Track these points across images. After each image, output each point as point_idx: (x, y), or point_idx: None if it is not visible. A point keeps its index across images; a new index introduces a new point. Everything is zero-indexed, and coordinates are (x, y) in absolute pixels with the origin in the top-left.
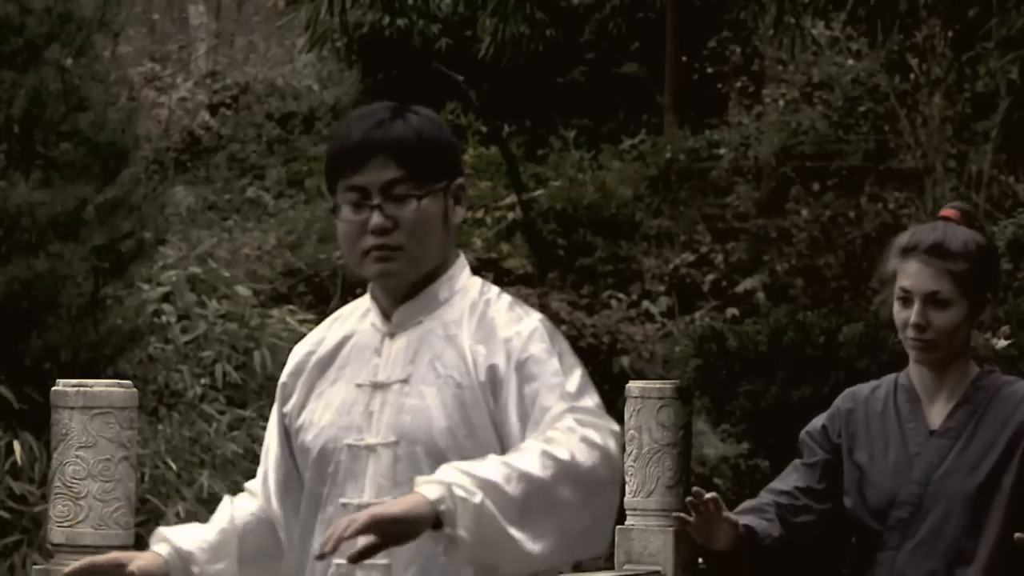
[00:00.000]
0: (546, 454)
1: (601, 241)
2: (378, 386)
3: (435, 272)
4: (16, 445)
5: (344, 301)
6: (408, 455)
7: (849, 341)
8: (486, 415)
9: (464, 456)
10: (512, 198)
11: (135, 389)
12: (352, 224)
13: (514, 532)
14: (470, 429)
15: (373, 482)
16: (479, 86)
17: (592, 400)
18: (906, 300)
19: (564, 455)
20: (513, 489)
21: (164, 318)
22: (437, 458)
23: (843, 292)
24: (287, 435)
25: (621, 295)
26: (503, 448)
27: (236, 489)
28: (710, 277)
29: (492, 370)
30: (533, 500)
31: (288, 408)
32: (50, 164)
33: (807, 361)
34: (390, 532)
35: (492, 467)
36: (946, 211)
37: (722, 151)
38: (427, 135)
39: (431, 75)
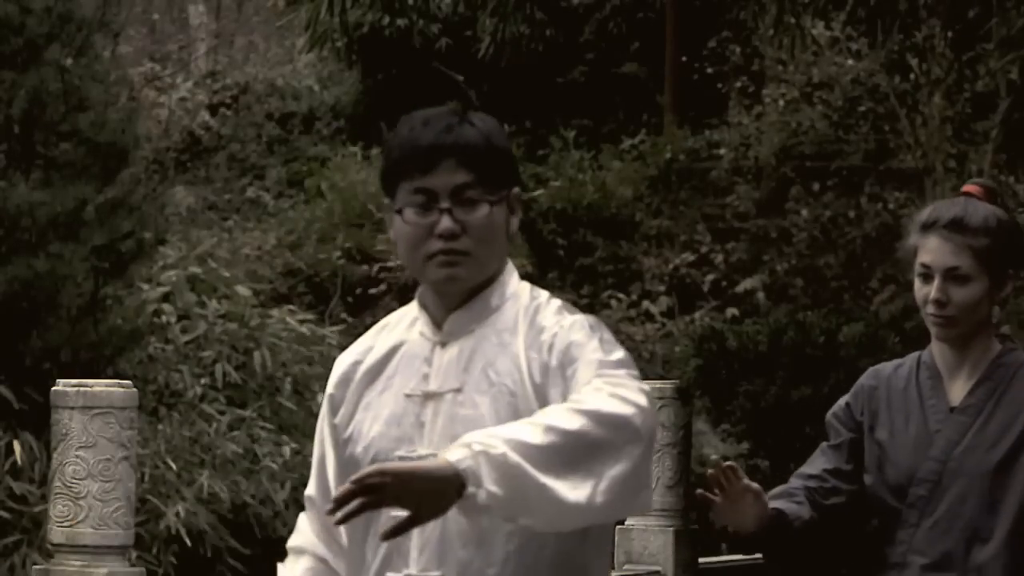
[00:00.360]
0: (573, 408)
1: (601, 241)
2: (430, 396)
3: (488, 279)
4: (16, 445)
5: (344, 301)
6: None
7: (849, 341)
8: None
9: None
10: None
11: (135, 389)
12: (418, 227)
13: (547, 481)
14: None
15: None
16: (479, 86)
17: (627, 370)
18: (926, 276)
19: (592, 406)
20: (539, 439)
21: (164, 318)
22: None
23: (843, 292)
24: (338, 446)
25: (621, 295)
26: None
27: (236, 489)
28: (710, 277)
29: (543, 371)
30: (563, 448)
31: (338, 420)
32: (50, 164)
33: (807, 361)
34: (411, 489)
35: (514, 425)
36: (968, 187)
37: (722, 151)
38: (495, 141)
39: (431, 75)
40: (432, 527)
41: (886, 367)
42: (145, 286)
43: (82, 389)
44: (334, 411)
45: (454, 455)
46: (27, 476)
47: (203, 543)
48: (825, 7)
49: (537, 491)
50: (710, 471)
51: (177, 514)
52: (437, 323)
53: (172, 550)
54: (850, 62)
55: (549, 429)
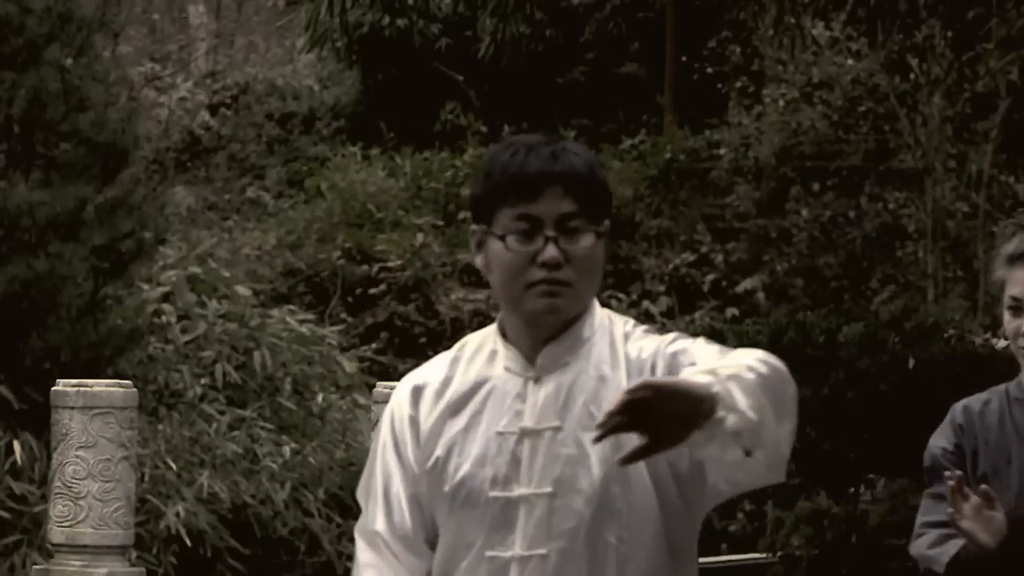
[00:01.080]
0: (758, 358)
1: None
2: (527, 433)
3: (579, 312)
4: (16, 445)
5: (344, 301)
6: (564, 507)
7: (849, 341)
8: (642, 463)
9: (623, 504)
10: None
11: (135, 389)
12: (519, 255)
13: (778, 418)
14: (625, 477)
15: (525, 533)
16: (479, 86)
17: None
18: (1017, 309)
19: (773, 360)
20: (766, 375)
21: (164, 318)
22: (596, 507)
23: (843, 292)
24: (415, 478)
25: (621, 295)
26: (658, 499)
27: (236, 489)
28: (710, 277)
29: None
30: (777, 391)
31: (421, 448)
32: (50, 164)
33: (807, 361)
34: (673, 404)
35: (737, 361)
36: None
37: (722, 151)
38: (597, 172)
39: (431, 75)
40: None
41: (973, 404)
42: (145, 286)
43: (82, 389)
44: (417, 438)
45: (702, 379)
46: (27, 476)
47: (203, 543)
48: (825, 7)
49: (771, 427)
50: (949, 479)
51: (177, 514)
52: (527, 357)
53: (172, 550)
54: (850, 62)
55: (763, 369)
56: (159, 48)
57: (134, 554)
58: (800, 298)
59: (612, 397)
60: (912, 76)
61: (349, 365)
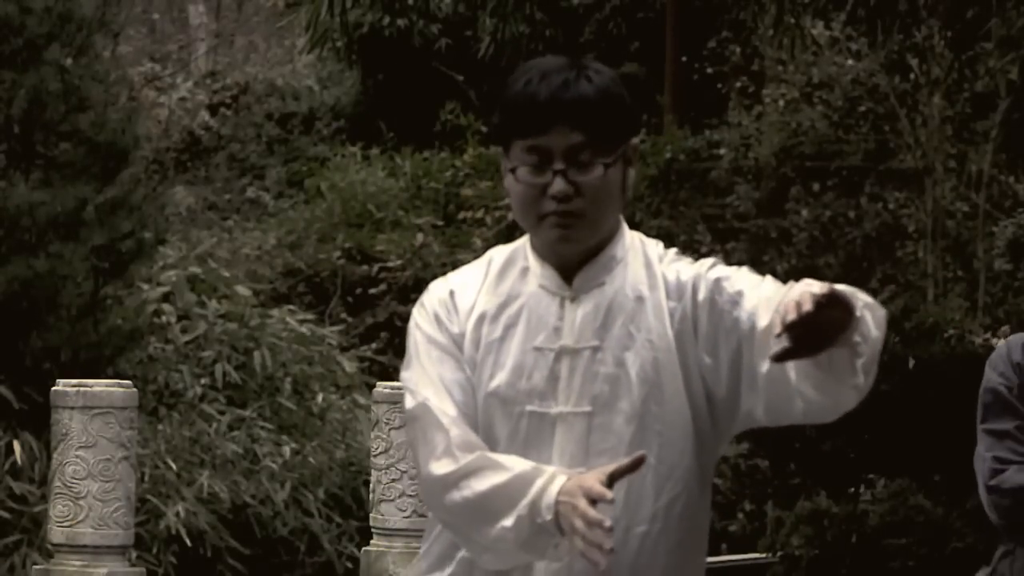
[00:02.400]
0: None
1: None
2: (566, 351)
3: (610, 232)
4: (16, 445)
5: (344, 301)
6: (603, 425)
7: None
8: (680, 378)
9: (661, 424)
10: None
11: (135, 389)
12: (531, 187)
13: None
14: (662, 396)
15: (563, 451)
16: (479, 86)
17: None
18: None
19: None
20: (882, 316)
21: (164, 318)
22: (636, 426)
23: None
24: (463, 371)
25: None
26: (693, 420)
27: (236, 489)
28: None
29: (682, 318)
30: (883, 332)
31: (459, 345)
32: (50, 164)
33: None
34: (824, 317)
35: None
36: None
37: (722, 151)
38: (612, 97)
39: (431, 75)
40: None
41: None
42: (145, 286)
43: (82, 389)
44: (459, 334)
45: (851, 299)
46: (27, 476)
47: (203, 543)
48: (825, 7)
49: (876, 357)
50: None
51: (177, 514)
52: (563, 276)
53: (172, 550)
54: (850, 62)
55: (880, 312)
56: (159, 48)
57: (134, 554)
58: None
59: (787, 303)
60: (912, 76)
61: (349, 365)
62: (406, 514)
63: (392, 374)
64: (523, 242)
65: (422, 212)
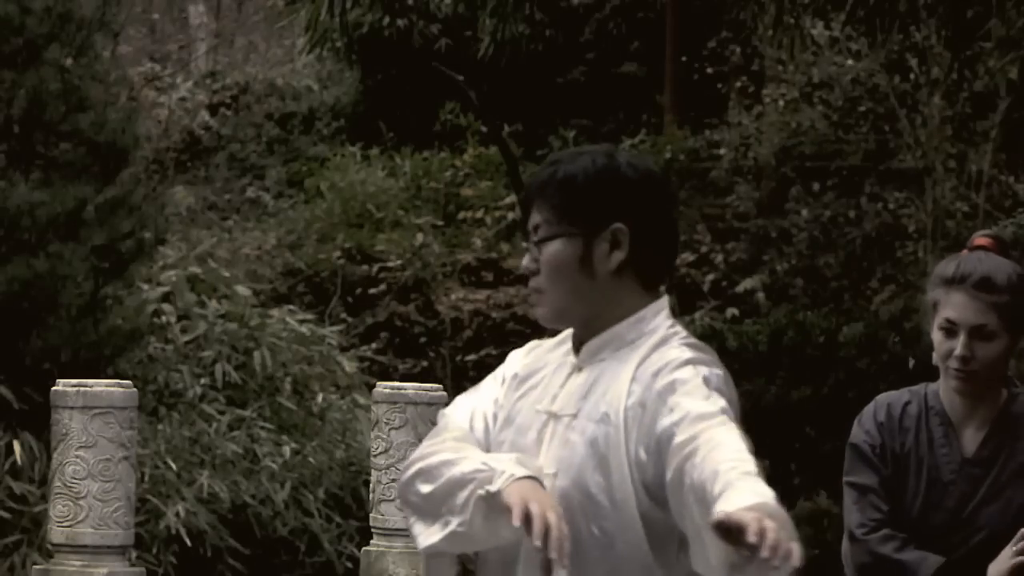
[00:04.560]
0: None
1: None
2: (551, 416)
3: (620, 313)
4: (16, 445)
5: (344, 301)
6: (561, 489)
7: (849, 341)
8: (623, 456)
9: (605, 498)
10: (512, 198)
11: (135, 389)
12: (526, 264)
13: None
14: (607, 471)
15: None
16: (479, 86)
17: (727, 418)
18: (950, 331)
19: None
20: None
21: (164, 318)
22: (583, 496)
23: (843, 292)
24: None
25: None
26: (637, 498)
27: (236, 489)
28: (710, 277)
29: (637, 401)
30: None
31: (502, 398)
32: (50, 164)
33: (807, 361)
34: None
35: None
36: (981, 240)
37: (722, 151)
38: (575, 180)
39: (431, 75)
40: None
41: (896, 403)
42: (145, 286)
43: (82, 389)
44: (502, 391)
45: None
46: (27, 476)
47: (203, 543)
48: (825, 7)
49: None
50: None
51: (177, 514)
52: (576, 348)
53: (172, 550)
54: (850, 62)
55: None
56: (159, 48)
57: (134, 554)
58: (800, 298)
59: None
60: (912, 76)
61: (349, 365)
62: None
63: (392, 374)
64: None
65: (422, 212)
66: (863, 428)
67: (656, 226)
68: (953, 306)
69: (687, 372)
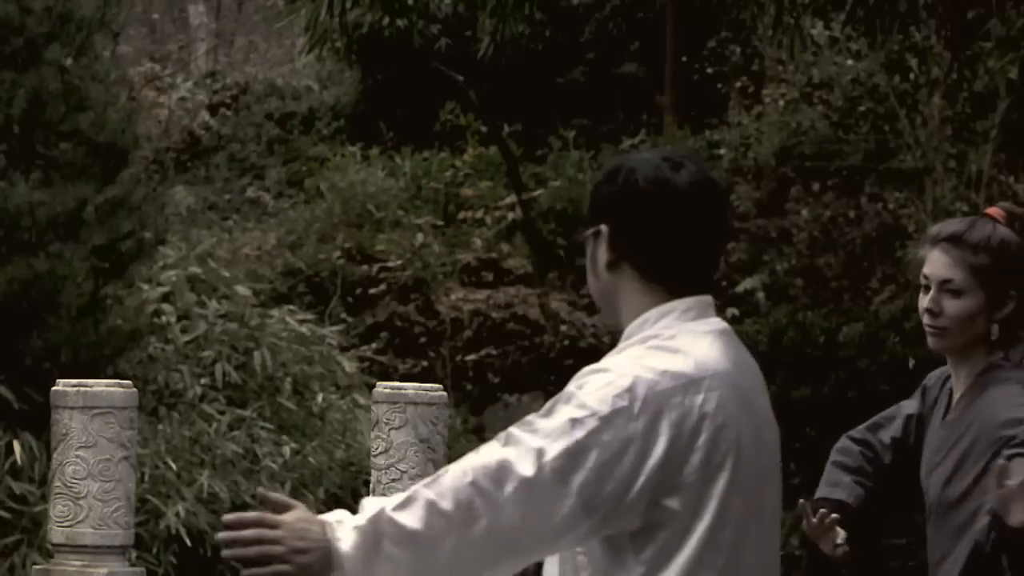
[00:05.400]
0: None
1: None
2: None
3: (630, 314)
4: (16, 445)
5: (344, 301)
6: None
7: (849, 341)
8: None
9: None
10: (512, 198)
11: (135, 389)
12: None
13: None
14: None
15: None
16: (479, 86)
17: (544, 424)
18: (926, 287)
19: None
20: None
21: (164, 318)
22: None
23: (843, 292)
24: None
25: None
26: None
27: (236, 489)
28: None
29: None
30: None
31: None
32: (50, 164)
33: (807, 361)
34: None
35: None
36: (992, 209)
37: (722, 151)
38: (601, 180)
39: (431, 75)
40: None
41: (941, 374)
42: (145, 286)
43: (82, 389)
44: None
45: None
46: (27, 476)
47: (203, 543)
48: (824, 7)
49: None
50: (801, 503)
51: (177, 514)
52: None
53: (172, 550)
54: (850, 62)
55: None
56: (159, 48)
57: (134, 554)
58: (800, 298)
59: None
60: (912, 76)
61: (349, 365)
62: None
63: (392, 374)
64: None
65: (422, 212)
66: (911, 400)
67: (648, 229)
68: (928, 262)
69: (570, 384)
